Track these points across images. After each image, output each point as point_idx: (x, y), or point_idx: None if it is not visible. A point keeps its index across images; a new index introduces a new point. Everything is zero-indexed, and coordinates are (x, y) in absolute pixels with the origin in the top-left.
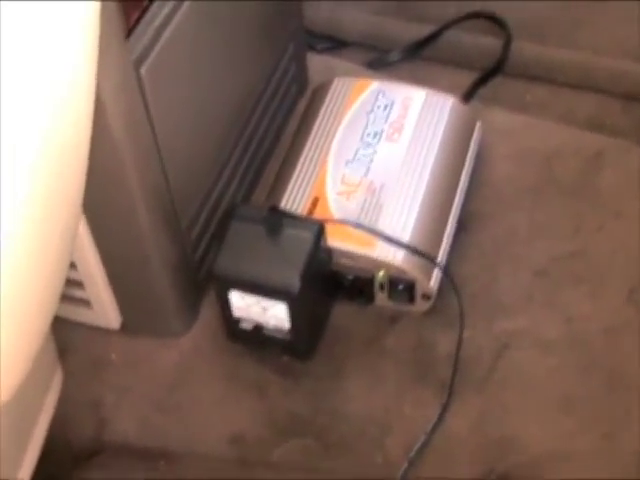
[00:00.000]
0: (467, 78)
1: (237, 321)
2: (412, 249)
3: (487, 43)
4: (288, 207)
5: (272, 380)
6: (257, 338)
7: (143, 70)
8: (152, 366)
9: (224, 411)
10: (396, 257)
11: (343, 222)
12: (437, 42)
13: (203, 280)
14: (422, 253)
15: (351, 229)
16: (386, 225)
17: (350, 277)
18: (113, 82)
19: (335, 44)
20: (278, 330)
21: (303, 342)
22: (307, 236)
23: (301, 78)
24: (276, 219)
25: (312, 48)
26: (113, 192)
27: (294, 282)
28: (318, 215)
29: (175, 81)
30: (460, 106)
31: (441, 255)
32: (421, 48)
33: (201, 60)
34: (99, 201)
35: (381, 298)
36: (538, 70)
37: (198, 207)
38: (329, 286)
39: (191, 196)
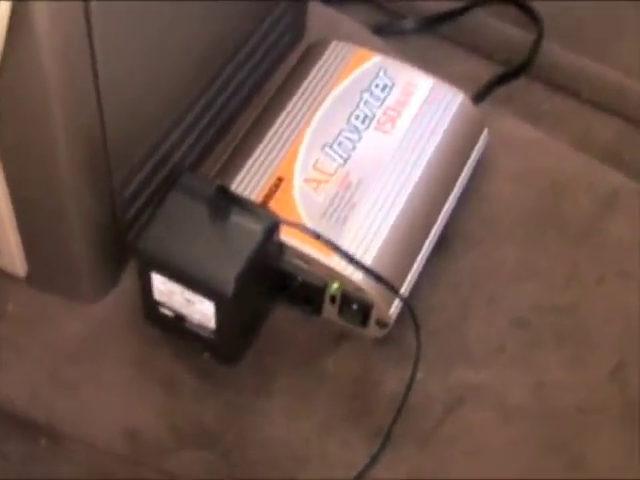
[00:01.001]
0: (483, 69)
1: (157, 304)
2: (373, 273)
3: (515, 35)
4: (245, 182)
5: (186, 379)
6: (178, 328)
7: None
8: (53, 329)
9: (125, 400)
10: (355, 273)
11: (299, 227)
12: (459, 20)
13: (129, 245)
14: (383, 280)
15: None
16: (352, 231)
17: (299, 280)
18: None
19: None
20: (202, 327)
21: (229, 346)
22: (256, 230)
23: (297, 29)
24: (223, 201)
25: None
26: (34, 127)
27: (228, 283)
28: (278, 199)
29: (131, 8)
30: (469, 106)
31: (409, 280)
32: (439, 23)
33: None
34: (17, 133)
35: (330, 311)
36: (563, 79)
37: (137, 164)
38: (272, 285)
39: (130, 149)
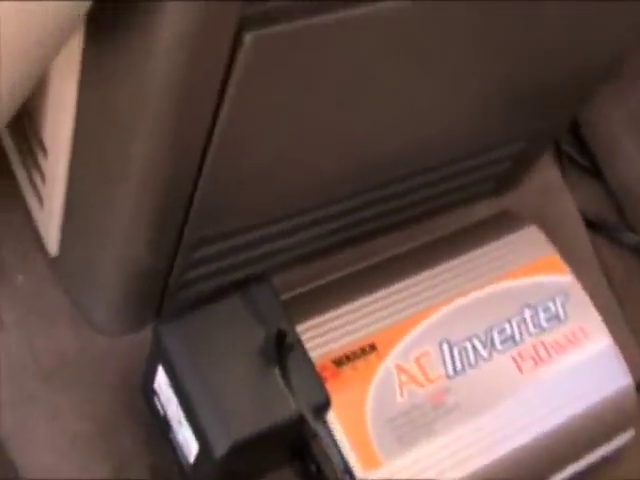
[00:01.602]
0: None
1: (153, 392)
2: None
3: None
4: (328, 328)
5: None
6: (162, 427)
7: (248, 37)
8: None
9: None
10: None
11: None
12: None
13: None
14: None
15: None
16: (410, 461)
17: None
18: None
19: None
20: (182, 452)
21: None
22: (291, 404)
23: (508, 179)
24: (277, 350)
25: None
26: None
27: (221, 445)
28: (355, 368)
29: (292, 81)
30: (631, 394)
31: None
32: None
33: (359, 78)
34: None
35: None
36: None
37: (219, 234)
38: (284, 451)
39: (218, 214)
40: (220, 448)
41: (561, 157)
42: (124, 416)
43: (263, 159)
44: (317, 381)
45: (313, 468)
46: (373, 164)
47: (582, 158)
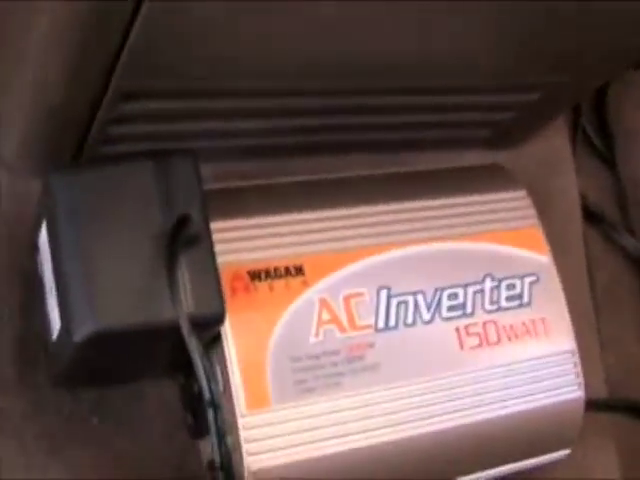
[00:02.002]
0: None
1: (37, 247)
2: None
3: None
4: (255, 236)
5: None
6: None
7: None
8: None
9: None
10: (257, 459)
11: None
12: None
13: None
14: None
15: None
16: (301, 412)
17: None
18: None
19: None
20: (48, 329)
21: (64, 370)
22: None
23: (508, 133)
24: (171, 238)
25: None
26: None
27: (81, 330)
28: (276, 288)
29: None
30: (578, 410)
31: None
32: None
33: None
34: None
35: (204, 452)
36: None
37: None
38: (163, 358)
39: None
40: (79, 333)
41: (576, 132)
42: (7, 273)
43: (205, 13)
44: (215, 288)
45: (196, 388)
46: (351, 61)
47: (599, 140)
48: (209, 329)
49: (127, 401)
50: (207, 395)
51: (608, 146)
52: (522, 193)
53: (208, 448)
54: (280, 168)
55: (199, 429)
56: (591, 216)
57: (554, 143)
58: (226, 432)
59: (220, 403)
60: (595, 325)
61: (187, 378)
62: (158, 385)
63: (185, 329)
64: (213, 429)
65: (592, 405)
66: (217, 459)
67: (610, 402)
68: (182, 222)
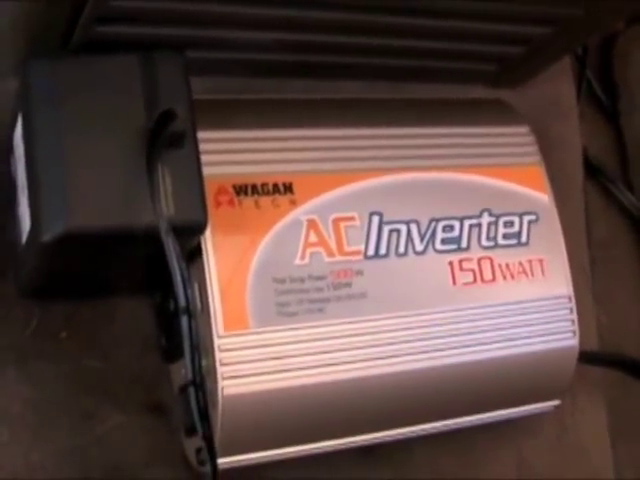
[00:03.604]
0: None
1: (11, 146)
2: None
3: None
4: (241, 145)
5: None
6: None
7: None
8: None
9: None
10: (232, 383)
11: None
12: None
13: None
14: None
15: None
16: (281, 338)
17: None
18: None
19: None
20: (18, 232)
21: (27, 277)
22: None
23: (514, 69)
24: (153, 135)
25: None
26: None
27: (51, 230)
28: (262, 204)
29: None
30: (571, 358)
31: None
32: None
33: None
34: None
35: (176, 372)
36: None
37: None
38: (138, 270)
39: None
40: (48, 233)
41: (581, 84)
42: None
43: None
44: (197, 194)
45: (172, 306)
46: None
47: (603, 94)
48: (189, 237)
49: (98, 318)
50: (182, 301)
51: (612, 100)
52: (526, 129)
53: (180, 373)
54: (274, 88)
55: (172, 352)
56: (591, 169)
57: (559, 88)
58: (200, 343)
59: (195, 312)
60: (590, 278)
61: (164, 297)
62: (131, 304)
63: (163, 229)
64: (186, 339)
65: (584, 357)
66: (189, 374)
67: (603, 356)
68: (166, 117)
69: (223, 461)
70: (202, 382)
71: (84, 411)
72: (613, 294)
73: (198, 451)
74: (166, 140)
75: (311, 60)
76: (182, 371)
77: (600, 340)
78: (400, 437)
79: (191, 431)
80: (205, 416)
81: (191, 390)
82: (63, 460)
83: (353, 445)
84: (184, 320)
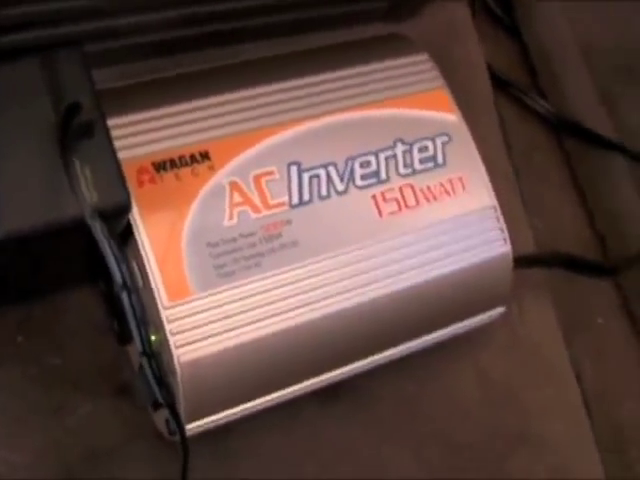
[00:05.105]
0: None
1: None
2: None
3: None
4: (153, 127)
5: None
6: None
7: None
8: None
9: None
10: (185, 350)
11: None
12: None
13: None
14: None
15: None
16: (223, 298)
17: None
18: None
19: None
20: None
21: None
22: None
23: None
24: (62, 129)
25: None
26: None
27: None
28: (183, 176)
29: None
30: (507, 265)
31: (239, 410)
32: None
33: None
34: None
35: (135, 355)
36: None
37: None
38: (77, 262)
39: None
40: None
41: (474, 1)
42: None
43: None
44: (116, 177)
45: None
46: None
47: (500, 9)
48: (117, 219)
49: (50, 316)
50: (118, 278)
51: (509, 14)
52: (424, 57)
53: (137, 352)
54: (174, 64)
55: (126, 334)
56: (501, 84)
57: (455, 11)
58: (144, 315)
59: (134, 287)
60: (517, 186)
61: (107, 282)
62: (80, 296)
63: (87, 215)
64: (129, 313)
65: (523, 261)
66: (139, 345)
67: (540, 256)
68: (72, 110)
69: (191, 426)
70: (153, 351)
71: (53, 406)
72: (544, 199)
73: (167, 422)
74: (75, 132)
75: (205, 30)
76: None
77: (538, 245)
78: (358, 371)
79: (157, 404)
80: (162, 383)
81: (144, 360)
82: (42, 455)
83: (315, 387)
84: (124, 296)
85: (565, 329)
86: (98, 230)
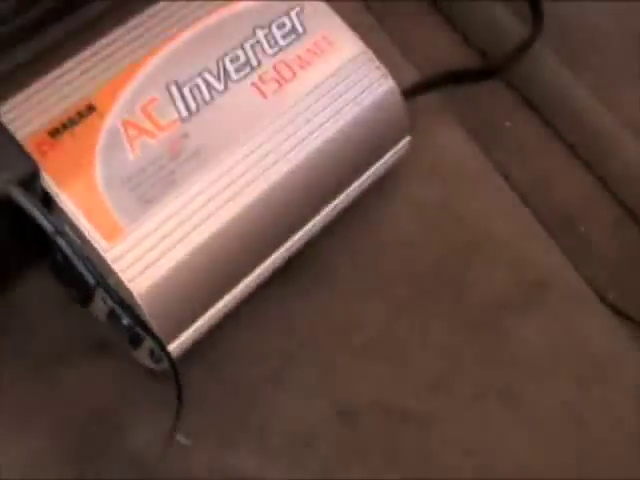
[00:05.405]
0: (452, 53)
1: None
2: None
3: (506, 27)
4: (37, 100)
5: None
6: None
7: None
8: None
9: None
10: (139, 280)
11: None
12: None
13: None
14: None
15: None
16: (153, 223)
17: (63, 259)
18: None
19: None
20: None
21: None
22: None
23: None
24: None
25: None
26: None
27: None
28: (77, 133)
29: None
30: (395, 98)
31: (212, 314)
32: None
33: None
34: None
35: (98, 309)
36: (541, 101)
37: None
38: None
39: None
40: None
41: None
42: None
43: None
44: (16, 149)
45: (59, 257)
46: None
47: None
48: (32, 187)
49: (9, 303)
50: (49, 228)
51: None
52: None
53: (101, 306)
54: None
55: (85, 295)
56: None
57: None
58: (83, 253)
59: (64, 229)
60: (384, 33)
61: (51, 253)
62: (34, 275)
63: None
64: (70, 253)
65: (412, 90)
66: (90, 279)
67: (427, 80)
68: None
69: (173, 347)
70: (106, 281)
71: (44, 382)
72: (412, 34)
73: (151, 353)
74: None
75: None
76: (100, 303)
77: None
78: (307, 238)
79: (135, 340)
80: (125, 305)
81: (99, 291)
82: (50, 436)
83: (277, 265)
84: (60, 240)
85: (479, 141)
86: (20, 195)
